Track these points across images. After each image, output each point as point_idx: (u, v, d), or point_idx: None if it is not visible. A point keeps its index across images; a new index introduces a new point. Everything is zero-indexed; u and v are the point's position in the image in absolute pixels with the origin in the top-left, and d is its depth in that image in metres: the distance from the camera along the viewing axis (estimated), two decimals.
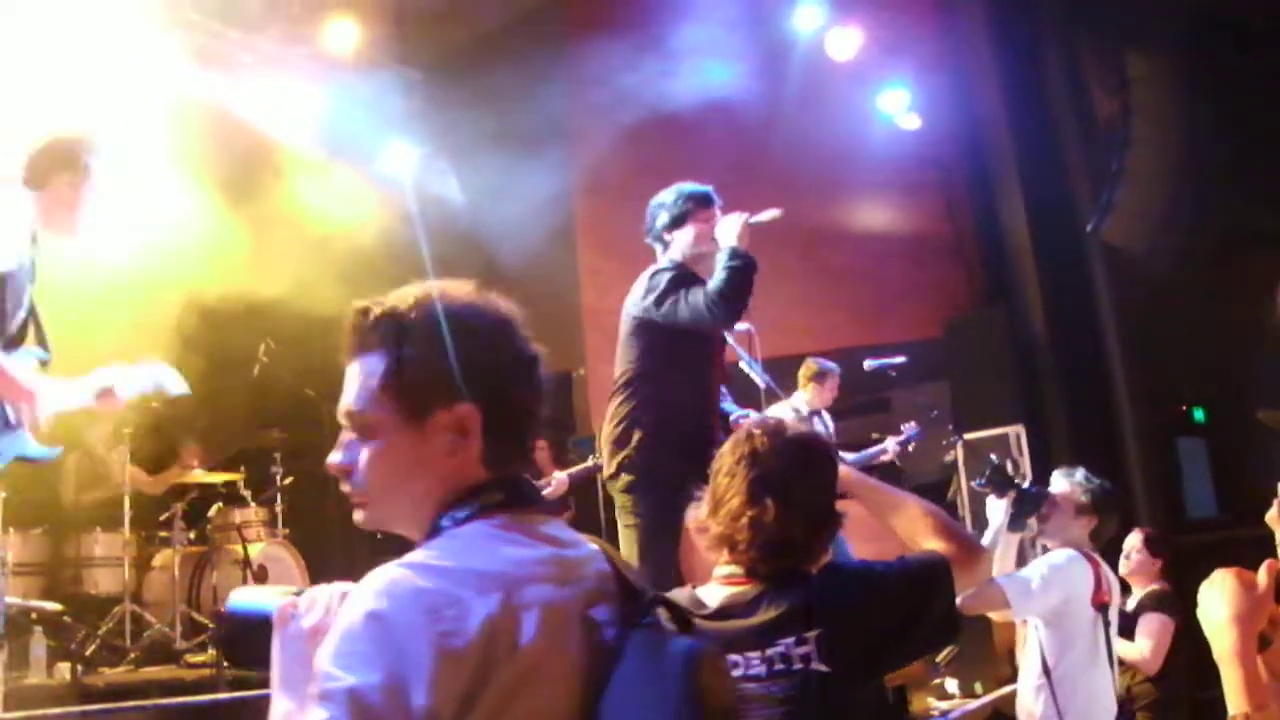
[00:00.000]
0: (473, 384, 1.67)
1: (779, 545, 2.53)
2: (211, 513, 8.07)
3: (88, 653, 6.83)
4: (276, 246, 8.65)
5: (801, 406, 7.92)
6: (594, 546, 1.75)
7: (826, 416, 8.07)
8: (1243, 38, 8.17)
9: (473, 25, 10.15)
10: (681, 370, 5.00)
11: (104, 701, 5.86)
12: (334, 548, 9.46)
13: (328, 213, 8.90)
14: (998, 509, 4.67)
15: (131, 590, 7.36)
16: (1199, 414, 9.04)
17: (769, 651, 2.39)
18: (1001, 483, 4.70)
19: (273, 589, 1.78)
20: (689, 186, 5.19)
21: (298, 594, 1.73)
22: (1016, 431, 8.46)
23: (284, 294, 8.61)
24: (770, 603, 2.48)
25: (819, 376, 8.07)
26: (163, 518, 7.87)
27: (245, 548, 7.60)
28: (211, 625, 7.27)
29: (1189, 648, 5.90)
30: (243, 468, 8.20)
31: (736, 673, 2.38)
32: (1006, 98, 9.71)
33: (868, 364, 8.21)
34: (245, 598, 1.79)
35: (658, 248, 5.20)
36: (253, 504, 8.14)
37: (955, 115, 10.01)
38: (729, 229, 4.99)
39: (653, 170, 10.22)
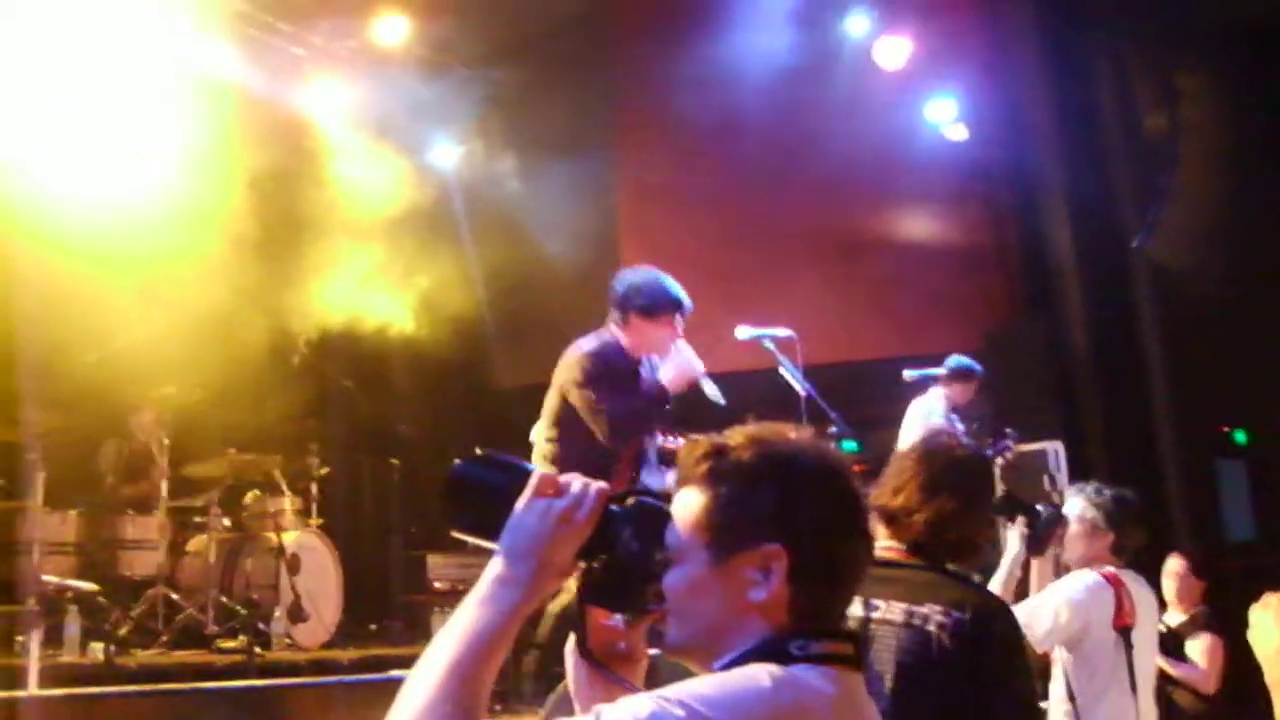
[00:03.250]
0: (784, 527, 1.65)
1: (963, 538, 2.97)
2: (247, 499, 8.11)
3: (121, 633, 6.89)
4: (319, 239, 8.72)
5: (941, 406, 7.90)
6: None
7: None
8: None
9: (522, 25, 10.16)
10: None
11: (136, 683, 5.92)
12: (366, 539, 9.52)
13: (371, 206, 8.95)
14: (1013, 536, 4.59)
15: (165, 574, 7.41)
16: (1240, 437, 8.95)
17: (913, 607, 2.74)
18: (1009, 509, 4.62)
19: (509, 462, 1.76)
20: (672, 287, 5.31)
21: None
22: (1055, 447, 8.38)
23: (325, 287, 8.68)
24: (924, 571, 2.87)
25: (961, 374, 8.04)
26: (198, 503, 7.91)
27: (279, 535, 7.63)
28: (244, 611, 7.32)
29: (1230, 669, 5.86)
30: (279, 456, 8.22)
31: (875, 614, 2.75)
32: (1054, 110, 9.64)
33: (907, 374, 8.15)
34: (484, 461, 1.77)
35: (614, 314, 5.31)
36: (287, 493, 8.16)
37: (1002, 127, 9.94)
38: (677, 369, 5.21)
39: (697, 174, 10.27)
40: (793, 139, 9.65)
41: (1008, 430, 7.82)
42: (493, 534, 1.68)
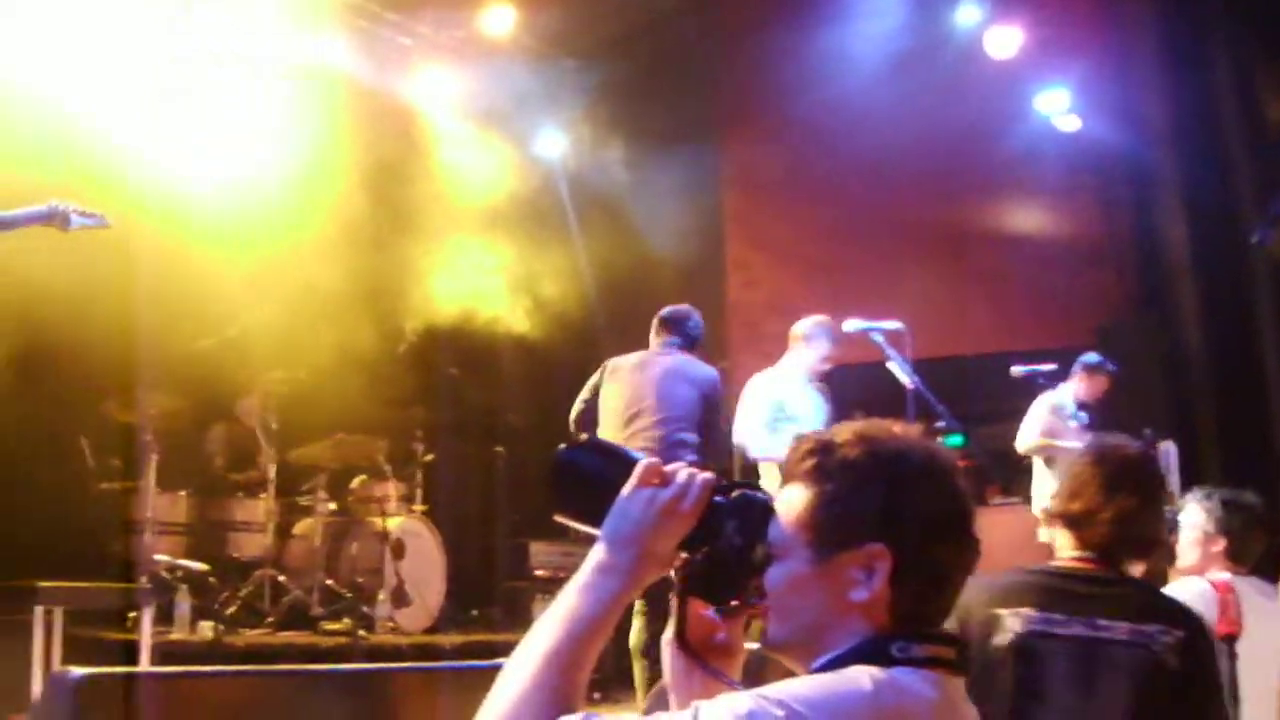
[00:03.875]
0: (889, 527, 1.62)
1: (1147, 535, 3.04)
2: (353, 484, 8.22)
3: (229, 613, 7.04)
4: (426, 227, 8.80)
5: (1070, 401, 7.87)
6: None
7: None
8: None
9: (629, 15, 10.18)
10: None
11: (243, 662, 6.05)
12: (470, 525, 9.61)
13: (477, 196, 9.02)
14: None
15: (272, 556, 7.55)
16: None
17: (1137, 625, 2.82)
18: None
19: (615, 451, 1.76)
20: None
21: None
22: (1166, 446, 8.17)
23: (432, 274, 8.76)
24: (1129, 586, 2.96)
25: (1094, 370, 8.01)
26: (305, 487, 8.05)
27: (385, 520, 7.73)
28: (349, 594, 7.43)
29: None
30: (385, 442, 8.31)
31: (1103, 634, 2.82)
32: (1171, 101, 9.40)
33: (1015, 370, 8.02)
34: (591, 448, 1.77)
35: (690, 344, 6.21)
36: (392, 478, 8.26)
37: (1116, 118, 9.72)
38: None
39: (804, 166, 10.21)
40: (901, 130, 9.53)
41: (1146, 431, 7.68)
42: (596, 520, 1.66)
